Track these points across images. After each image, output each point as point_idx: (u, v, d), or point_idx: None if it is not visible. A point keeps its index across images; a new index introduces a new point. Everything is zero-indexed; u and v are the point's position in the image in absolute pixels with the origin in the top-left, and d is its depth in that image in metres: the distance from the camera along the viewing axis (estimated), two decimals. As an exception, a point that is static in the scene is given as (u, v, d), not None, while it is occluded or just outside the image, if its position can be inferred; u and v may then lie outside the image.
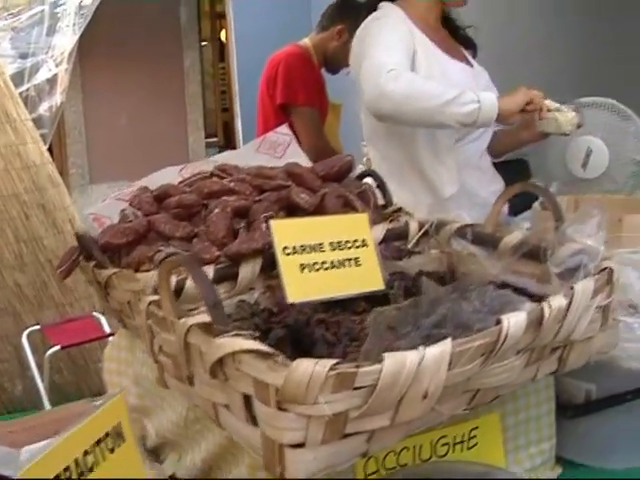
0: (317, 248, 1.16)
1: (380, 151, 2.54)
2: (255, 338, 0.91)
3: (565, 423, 1.30)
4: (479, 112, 2.13)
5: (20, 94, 3.59)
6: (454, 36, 2.62)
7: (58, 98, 4.39)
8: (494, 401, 1.03)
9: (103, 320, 3.09)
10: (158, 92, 7.23)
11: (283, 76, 3.67)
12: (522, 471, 1.22)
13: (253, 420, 0.89)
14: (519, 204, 2.12)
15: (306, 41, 3.86)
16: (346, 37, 3.53)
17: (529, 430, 1.24)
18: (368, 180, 1.56)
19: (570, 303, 1.01)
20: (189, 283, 1.14)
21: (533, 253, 1.22)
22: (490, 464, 1.13)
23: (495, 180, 2.54)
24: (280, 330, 1.02)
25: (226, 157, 1.72)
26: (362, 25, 2.43)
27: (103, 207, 1.61)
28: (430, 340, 0.89)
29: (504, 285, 1.20)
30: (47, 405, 2.89)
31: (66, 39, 4.46)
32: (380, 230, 1.34)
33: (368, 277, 1.19)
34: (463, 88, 2.18)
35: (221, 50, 9.07)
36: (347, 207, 1.38)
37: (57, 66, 4.39)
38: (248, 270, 1.20)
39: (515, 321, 0.93)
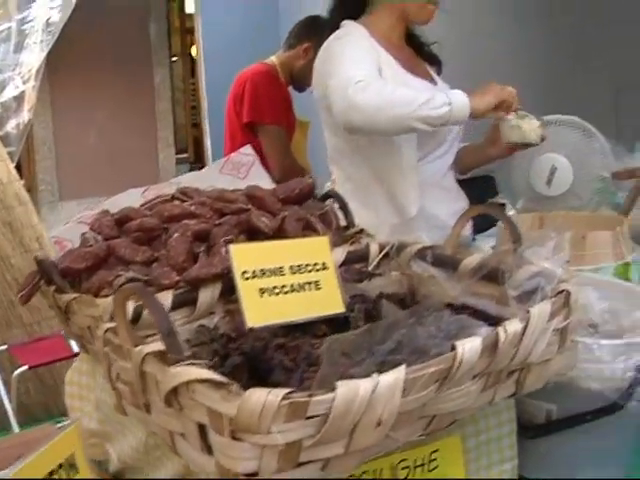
0: (277, 272, 1.16)
1: (344, 170, 2.53)
2: (211, 367, 0.91)
3: (527, 443, 1.31)
4: (451, 114, 2.13)
5: (-14, 112, 3.57)
6: (419, 53, 2.62)
7: (26, 115, 4.35)
8: (454, 424, 1.04)
9: (72, 339, 3.07)
10: (128, 108, 7.21)
11: (250, 94, 3.69)
12: (484, 493, 1.22)
13: (208, 449, 0.88)
14: (483, 222, 2.13)
15: (273, 59, 3.88)
16: (312, 55, 3.52)
17: (490, 451, 1.24)
18: (330, 201, 1.56)
19: (526, 327, 1.01)
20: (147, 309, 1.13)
21: (492, 275, 1.22)
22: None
23: (459, 198, 2.54)
24: (237, 357, 1.02)
25: (190, 178, 1.72)
26: (324, 45, 2.42)
27: (65, 230, 1.60)
28: (385, 366, 0.89)
29: (464, 307, 1.20)
30: (15, 426, 2.86)
31: (34, 56, 4.42)
32: (341, 253, 1.34)
33: (328, 300, 1.19)
34: (434, 92, 2.18)
35: (192, 65, 9.06)
36: (308, 230, 1.38)
37: (24, 83, 4.36)
38: (207, 295, 1.20)
39: (470, 347, 0.93)
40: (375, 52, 2.35)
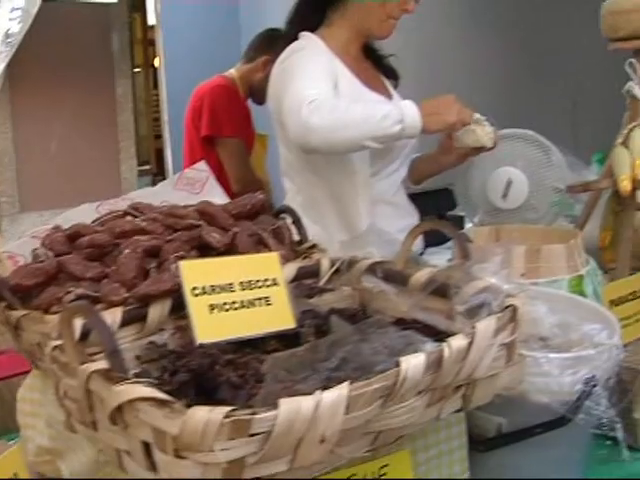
0: (227, 288, 1.16)
1: (296, 184, 2.53)
2: (159, 384, 0.91)
3: (477, 457, 1.32)
4: (402, 132, 2.14)
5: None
6: (376, 66, 2.62)
7: (-16, 127, 4.32)
8: (403, 438, 1.04)
9: (30, 354, 3.04)
10: (90, 120, 7.13)
11: (208, 108, 3.70)
12: (434, 507, 1.23)
13: (154, 467, 0.88)
14: (441, 234, 2.14)
15: (232, 72, 3.88)
16: (271, 68, 3.56)
17: (441, 465, 1.25)
18: (284, 216, 1.57)
19: (471, 342, 1.02)
20: (96, 326, 1.13)
21: (441, 290, 1.23)
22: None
23: (408, 214, 2.55)
24: (184, 374, 1.02)
25: (143, 194, 1.71)
26: (280, 57, 2.41)
27: (18, 245, 1.58)
28: (331, 383, 0.90)
29: (415, 322, 1.21)
30: (-30, 443, 2.83)
31: (-7, 67, 4.39)
32: (291, 268, 1.34)
33: (279, 316, 1.20)
34: (387, 107, 2.19)
35: (154, 77, 9.02)
36: (260, 245, 1.38)
37: (-17, 95, 4.33)
38: (157, 311, 1.19)
39: (414, 363, 0.94)
40: (332, 65, 2.34)
